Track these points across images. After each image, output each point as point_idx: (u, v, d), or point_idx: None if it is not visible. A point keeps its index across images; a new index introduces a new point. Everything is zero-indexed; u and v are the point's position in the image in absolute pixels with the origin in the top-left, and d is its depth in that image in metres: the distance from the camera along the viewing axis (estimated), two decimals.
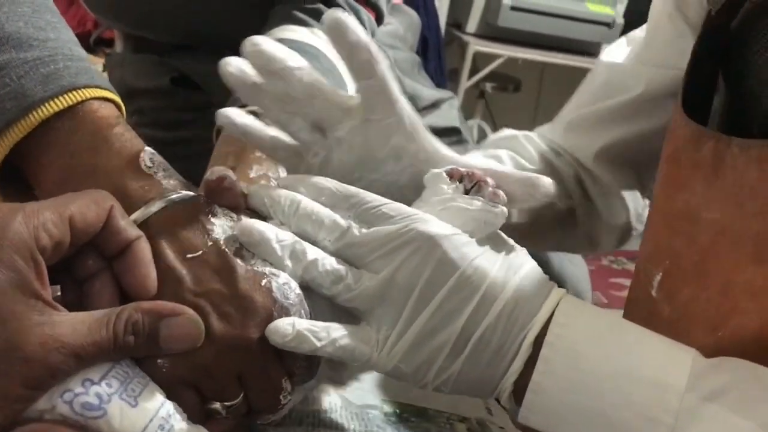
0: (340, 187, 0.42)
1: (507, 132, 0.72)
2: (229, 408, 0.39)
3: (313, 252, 0.40)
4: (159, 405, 0.36)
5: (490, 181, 0.43)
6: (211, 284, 0.38)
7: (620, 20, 2.83)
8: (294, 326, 0.38)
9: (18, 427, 0.32)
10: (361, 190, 0.42)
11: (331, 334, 0.39)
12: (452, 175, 0.43)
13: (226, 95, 0.83)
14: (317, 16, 0.73)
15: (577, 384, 0.37)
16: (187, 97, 0.92)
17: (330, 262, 0.40)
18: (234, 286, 0.39)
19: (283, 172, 0.55)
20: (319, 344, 0.38)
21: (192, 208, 0.41)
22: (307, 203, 0.41)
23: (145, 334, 0.35)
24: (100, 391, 0.34)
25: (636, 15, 3.01)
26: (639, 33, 0.68)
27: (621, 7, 2.87)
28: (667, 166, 0.48)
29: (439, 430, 0.50)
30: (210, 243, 0.40)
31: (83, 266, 0.38)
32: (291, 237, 0.40)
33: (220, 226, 0.41)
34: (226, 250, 0.40)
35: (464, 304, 0.38)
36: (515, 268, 0.40)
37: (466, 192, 0.43)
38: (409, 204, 0.42)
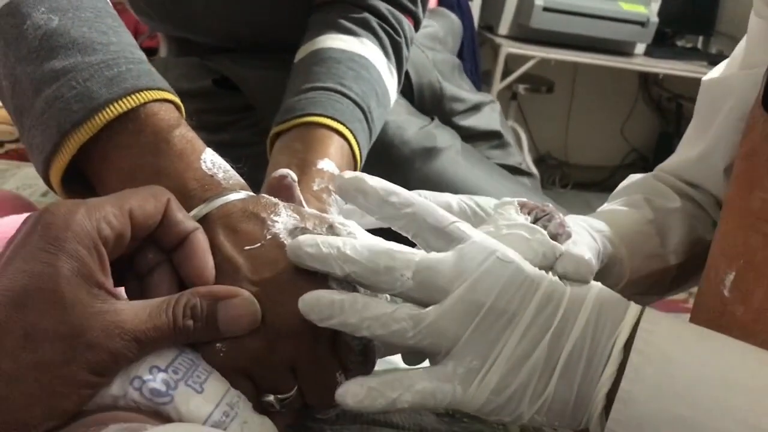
0: (398, 191, 0.40)
1: (633, 177, 0.67)
2: (282, 401, 0.39)
3: (372, 309, 0.38)
4: (224, 392, 0.36)
5: (561, 216, 0.45)
6: (266, 274, 0.39)
7: (654, 19, 2.80)
8: (363, 385, 0.37)
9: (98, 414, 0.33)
10: (423, 200, 0.40)
11: (404, 382, 0.37)
12: (523, 206, 0.45)
13: (264, 98, 0.82)
14: (364, 25, 0.72)
15: (670, 391, 0.35)
16: (227, 99, 0.92)
17: (392, 319, 0.37)
18: (290, 276, 0.39)
19: None
20: (395, 395, 0.37)
21: (251, 205, 0.42)
22: (366, 246, 0.38)
23: (204, 317, 0.36)
24: (167, 378, 0.35)
25: (670, 13, 2.97)
26: (738, 49, 0.61)
27: (655, 6, 2.84)
28: (743, 164, 0.47)
29: (492, 430, 0.49)
30: (269, 236, 0.40)
31: (144, 260, 0.39)
32: (349, 296, 0.38)
33: (282, 223, 0.41)
34: (286, 243, 0.40)
35: (550, 320, 0.37)
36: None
37: (534, 223, 0.44)
38: None
